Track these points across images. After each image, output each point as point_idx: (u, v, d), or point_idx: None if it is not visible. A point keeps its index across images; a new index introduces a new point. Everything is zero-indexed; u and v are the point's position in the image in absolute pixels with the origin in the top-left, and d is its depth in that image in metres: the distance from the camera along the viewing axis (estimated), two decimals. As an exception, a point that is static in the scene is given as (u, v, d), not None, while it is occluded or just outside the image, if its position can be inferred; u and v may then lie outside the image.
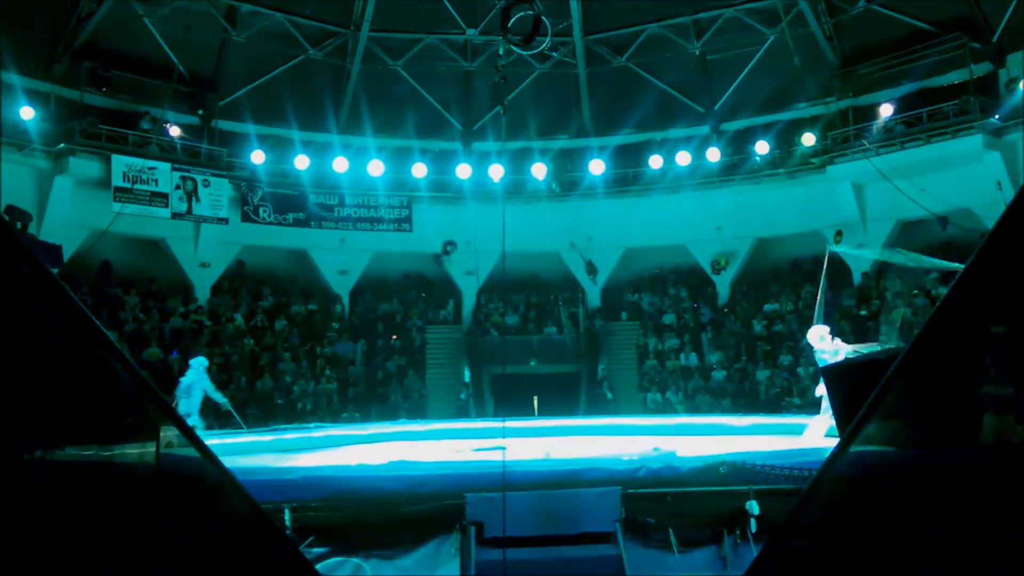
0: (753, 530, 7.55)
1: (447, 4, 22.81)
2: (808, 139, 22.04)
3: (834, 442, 8.75)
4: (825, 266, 13.27)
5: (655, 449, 11.99)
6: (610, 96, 24.67)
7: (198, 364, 13.44)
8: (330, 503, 7.64)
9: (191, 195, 21.01)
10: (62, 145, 19.21)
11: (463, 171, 23.99)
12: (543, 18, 7.94)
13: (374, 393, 21.73)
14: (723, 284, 24.25)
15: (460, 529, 7.52)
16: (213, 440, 12.52)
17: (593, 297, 25.09)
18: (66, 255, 18.49)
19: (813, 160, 22.09)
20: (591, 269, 24.61)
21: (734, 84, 23.67)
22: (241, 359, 20.46)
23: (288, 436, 15.96)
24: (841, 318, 19.23)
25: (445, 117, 25.00)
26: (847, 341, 12.38)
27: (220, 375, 18.42)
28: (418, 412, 20.95)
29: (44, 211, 18.92)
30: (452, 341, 24.24)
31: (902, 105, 20.51)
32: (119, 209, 19.52)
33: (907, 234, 21.58)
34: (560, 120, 25.24)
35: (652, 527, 7.77)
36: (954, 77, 20.17)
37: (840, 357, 11.22)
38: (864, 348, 11.97)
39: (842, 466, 2.64)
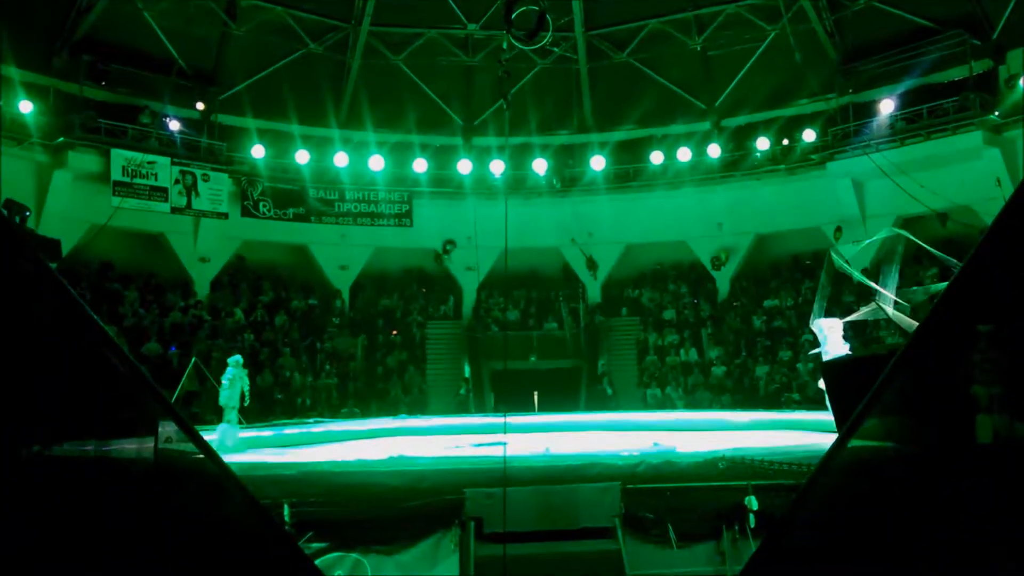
0: (752, 525, 7.57)
1: (448, -1, 22.79)
2: (809, 135, 22.02)
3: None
4: (826, 267, 13.25)
5: (655, 444, 12.03)
6: (611, 92, 24.63)
7: (235, 362, 13.96)
8: (329, 498, 7.65)
9: (191, 189, 20.98)
10: (61, 139, 19.17)
11: (464, 166, 23.97)
12: (546, 13, 7.94)
13: (374, 388, 21.73)
14: (723, 280, 24.24)
15: (460, 524, 7.54)
16: (213, 437, 12.55)
17: (593, 293, 25.09)
18: (65, 249, 18.44)
19: (813, 156, 22.08)
20: (592, 265, 24.59)
21: (735, 80, 23.62)
22: (241, 354, 20.41)
23: (288, 431, 15.99)
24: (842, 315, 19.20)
25: (446, 112, 24.95)
26: (846, 338, 12.37)
27: (219, 370, 18.40)
28: (418, 407, 20.96)
29: (43, 205, 18.87)
30: (452, 337, 24.25)
31: (902, 101, 20.49)
32: (118, 203, 19.50)
33: (907, 231, 21.52)
34: (561, 116, 25.21)
35: (651, 522, 7.79)
36: (954, 74, 20.15)
37: (840, 332, 11.31)
38: (864, 312, 12.07)
39: (840, 462, 2.65)
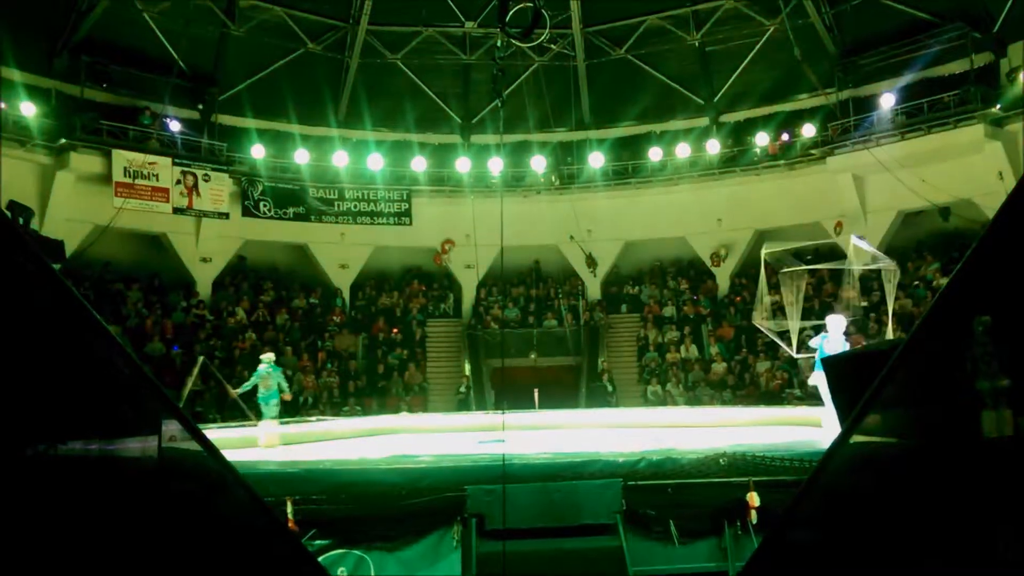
0: (754, 522, 7.58)
1: (446, -4, 22.80)
2: (808, 130, 22.00)
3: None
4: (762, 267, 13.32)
5: (656, 441, 12.02)
6: (609, 88, 24.62)
7: (268, 359, 14.02)
8: (332, 496, 7.65)
9: (192, 190, 21.00)
10: (63, 141, 19.20)
11: (462, 165, 23.97)
12: (542, 11, 7.93)
13: (375, 386, 21.76)
14: (723, 276, 24.24)
15: (461, 521, 7.54)
16: (214, 433, 12.55)
17: (593, 290, 25.09)
18: (68, 251, 18.47)
19: (814, 151, 22.05)
20: (591, 262, 24.59)
21: (734, 75, 23.62)
22: (243, 353, 20.46)
23: (290, 430, 15.96)
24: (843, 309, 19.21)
25: (444, 110, 24.96)
26: (847, 333, 12.38)
27: (223, 369, 18.43)
28: (418, 405, 20.98)
29: (46, 207, 18.93)
30: (452, 334, 24.27)
31: (903, 95, 20.45)
32: (121, 204, 19.53)
33: (908, 225, 21.57)
34: (559, 113, 25.16)
35: (653, 519, 7.79)
36: (955, 67, 20.13)
37: (842, 329, 11.39)
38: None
39: (843, 457, 2.65)
